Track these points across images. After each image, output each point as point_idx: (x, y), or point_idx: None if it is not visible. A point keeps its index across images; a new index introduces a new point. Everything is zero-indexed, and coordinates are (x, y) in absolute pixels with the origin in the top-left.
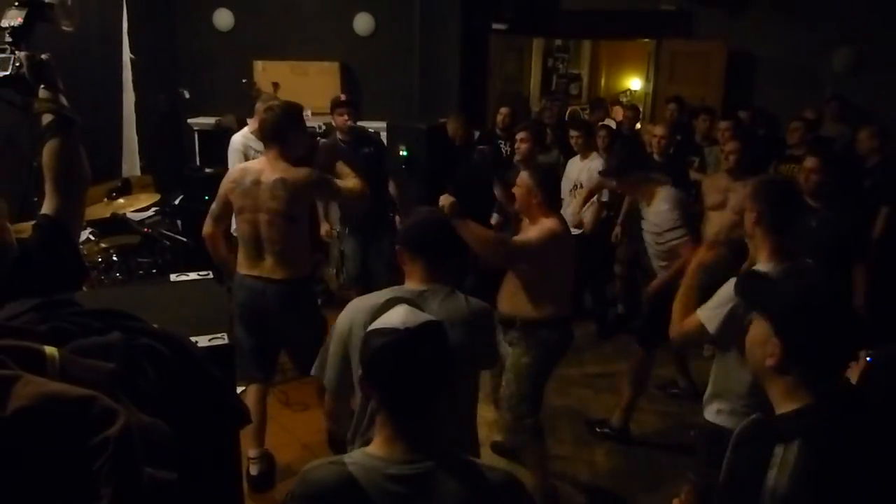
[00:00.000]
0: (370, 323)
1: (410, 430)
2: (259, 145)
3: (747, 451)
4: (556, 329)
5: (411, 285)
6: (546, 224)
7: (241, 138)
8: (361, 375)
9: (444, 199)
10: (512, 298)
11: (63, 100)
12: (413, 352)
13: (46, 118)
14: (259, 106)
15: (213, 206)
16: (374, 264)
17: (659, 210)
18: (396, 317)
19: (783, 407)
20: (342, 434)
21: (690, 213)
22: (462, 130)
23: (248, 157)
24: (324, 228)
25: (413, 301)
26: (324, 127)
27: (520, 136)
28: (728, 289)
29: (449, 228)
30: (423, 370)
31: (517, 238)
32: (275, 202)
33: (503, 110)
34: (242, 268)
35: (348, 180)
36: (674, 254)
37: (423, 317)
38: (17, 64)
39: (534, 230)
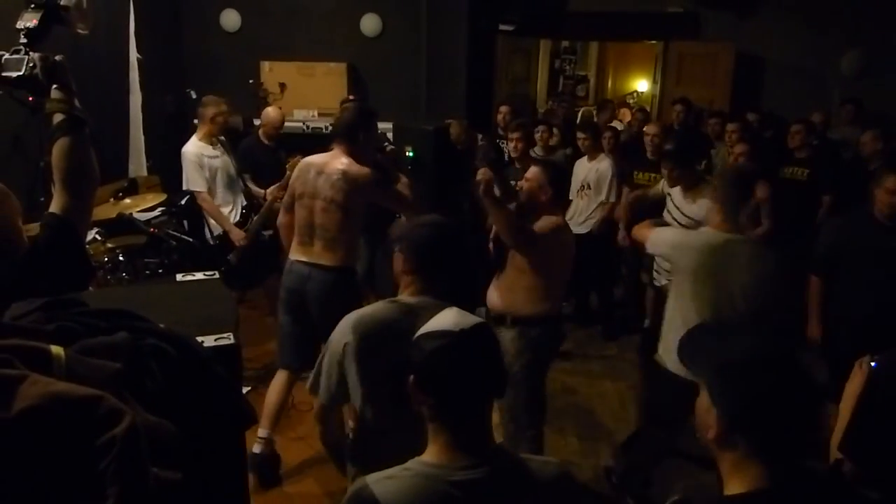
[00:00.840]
0: (363, 338)
1: (467, 434)
2: (210, 151)
3: None
4: (548, 328)
5: (404, 297)
6: (552, 218)
7: (193, 147)
8: (413, 381)
9: (483, 174)
10: (506, 294)
11: (76, 101)
12: (468, 353)
13: (57, 118)
14: (202, 109)
15: (285, 197)
16: (380, 265)
17: (707, 206)
18: (447, 319)
19: (730, 487)
20: (331, 439)
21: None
22: (465, 134)
23: (202, 166)
24: None
25: (404, 315)
26: (330, 127)
27: (513, 135)
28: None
29: (453, 243)
30: (479, 371)
31: (532, 226)
32: (332, 191)
33: (503, 108)
34: (293, 253)
35: (403, 188)
36: None
37: (473, 319)
38: (32, 65)
39: (542, 221)
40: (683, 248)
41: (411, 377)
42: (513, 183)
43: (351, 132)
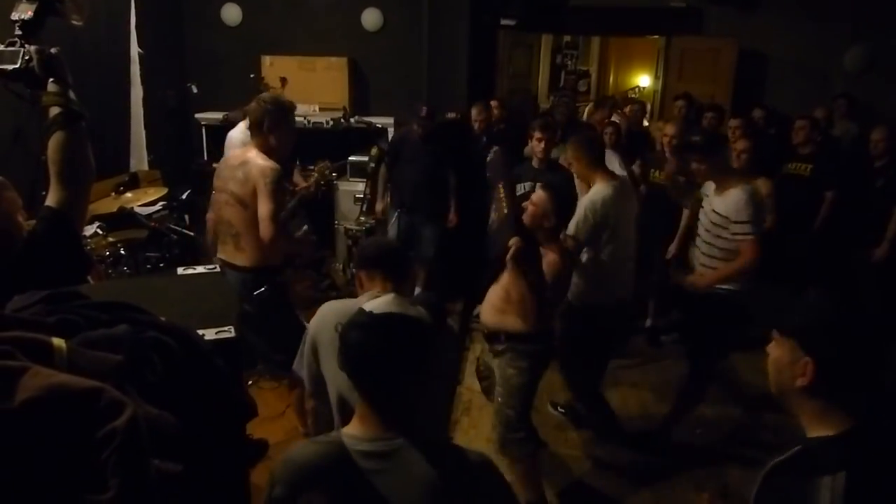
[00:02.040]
0: (339, 323)
1: (379, 408)
2: None
3: (785, 482)
4: (541, 342)
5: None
6: (554, 258)
7: (240, 134)
8: (338, 350)
9: (515, 244)
10: (498, 312)
11: (72, 94)
12: (378, 337)
13: (53, 111)
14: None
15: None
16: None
17: (735, 199)
18: (377, 303)
19: (817, 430)
20: (318, 434)
21: (762, 214)
22: (484, 115)
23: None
24: (379, 207)
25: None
26: (331, 122)
27: (538, 134)
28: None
29: (398, 248)
30: (387, 355)
31: (549, 269)
32: (233, 184)
33: (492, 103)
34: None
35: (277, 217)
36: (731, 252)
37: (401, 308)
38: (27, 57)
39: (549, 267)
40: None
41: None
42: (528, 185)
43: (258, 124)
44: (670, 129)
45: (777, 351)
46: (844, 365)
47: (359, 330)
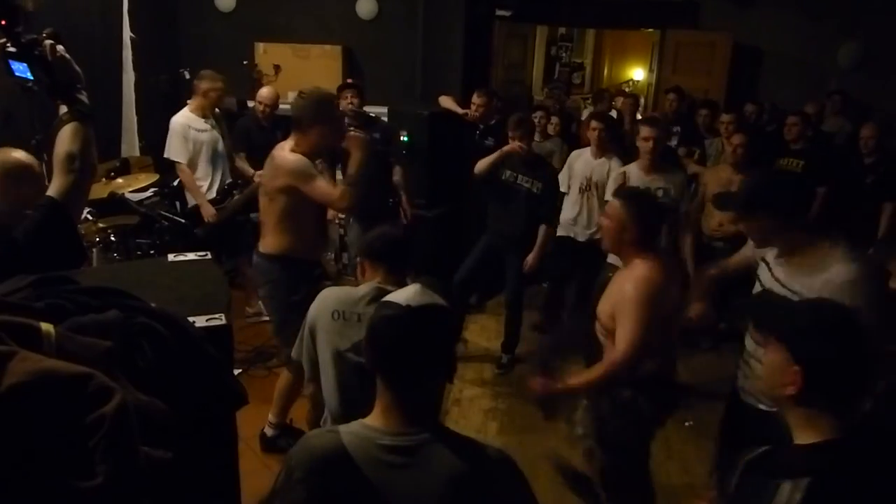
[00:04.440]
0: (336, 310)
1: (406, 402)
2: (199, 124)
3: (753, 480)
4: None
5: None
6: (640, 269)
7: (181, 118)
8: (364, 342)
9: (695, 311)
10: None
11: (81, 96)
12: (408, 327)
13: (63, 108)
14: (196, 82)
15: None
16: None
17: (833, 281)
18: (404, 294)
19: (802, 437)
20: (314, 420)
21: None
22: (484, 101)
23: (187, 138)
24: (330, 213)
25: (382, 297)
26: None
27: (514, 133)
28: None
29: (404, 241)
30: (418, 347)
31: (625, 324)
32: (265, 176)
33: (476, 100)
34: None
35: (335, 187)
36: None
37: (430, 299)
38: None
39: (629, 281)
40: None
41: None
42: (509, 174)
43: (296, 120)
44: (647, 132)
45: (771, 355)
46: (833, 377)
47: (394, 322)
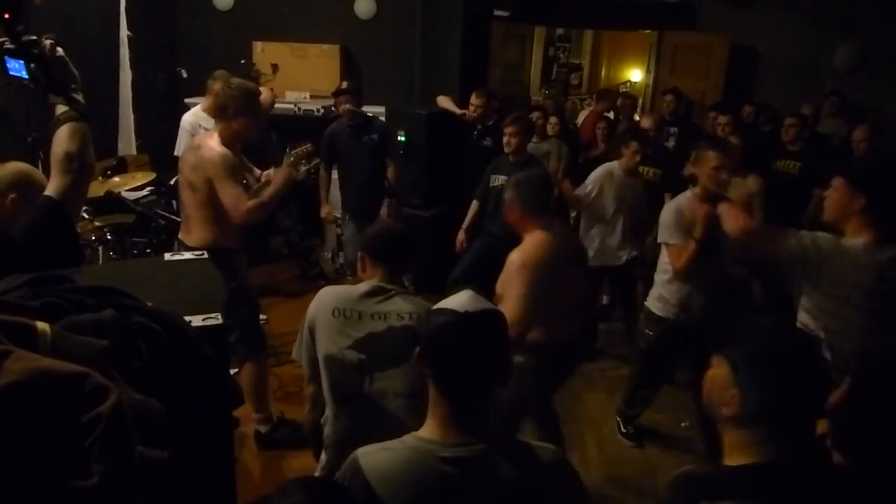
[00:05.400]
0: (336, 308)
1: (463, 411)
2: (209, 123)
3: (675, 498)
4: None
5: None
6: (526, 242)
7: (192, 117)
8: (418, 352)
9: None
10: None
11: (78, 96)
12: (467, 334)
13: (59, 108)
14: (210, 82)
15: None
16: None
17: None
18: (458, 300)
19: (731, 459)
20: (314, 420)
21: None
22: (483, 102)
23: (194, 136)
24: (324, 211)
25: (380, 295)
26: (322, 110)
27: (508, 129)
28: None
29: (407, 239)
30: (474, 353)
31: (510, 290)
32: (185, 167)
33: (475, 101)
34: None
35: (246, 199)
36: None
37: (483, 304)
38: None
39: (515, 252)
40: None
41: (417, 348)
42: (502, 179)
43: (222, 108)
44: (647, 122)
45: (714, 371)
46: (770, 403)
47: (454, 330)
